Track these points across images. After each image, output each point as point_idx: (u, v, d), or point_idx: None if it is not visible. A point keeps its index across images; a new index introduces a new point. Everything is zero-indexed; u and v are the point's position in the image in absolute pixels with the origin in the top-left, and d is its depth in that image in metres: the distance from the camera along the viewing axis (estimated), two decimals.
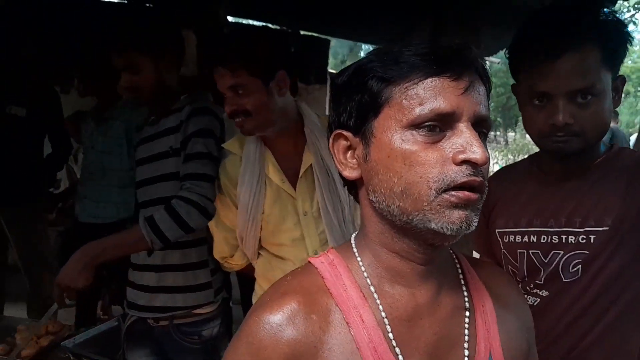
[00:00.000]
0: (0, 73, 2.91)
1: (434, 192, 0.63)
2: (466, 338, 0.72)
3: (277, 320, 0.67)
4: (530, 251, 1.18)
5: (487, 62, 12.45)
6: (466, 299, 0.75)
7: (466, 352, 0.71)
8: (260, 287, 1.61)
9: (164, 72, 1.66)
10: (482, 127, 0.67)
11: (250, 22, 3.70)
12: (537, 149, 1.22)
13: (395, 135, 0.66)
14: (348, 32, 4.07)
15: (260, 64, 1.40)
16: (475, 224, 0.65)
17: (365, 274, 0.72)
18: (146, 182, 1.72)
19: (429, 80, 0.65)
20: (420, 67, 0.65)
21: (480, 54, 0.69)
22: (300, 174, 1.50)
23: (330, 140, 0.74)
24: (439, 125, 0.64)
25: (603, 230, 1.09)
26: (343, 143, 0.73)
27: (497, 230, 1.26)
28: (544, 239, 1.16)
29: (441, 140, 0.65)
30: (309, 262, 0.76)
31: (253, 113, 1.41)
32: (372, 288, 0.71)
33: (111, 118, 2.67)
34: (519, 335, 0.78)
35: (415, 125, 0.64)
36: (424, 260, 0.70)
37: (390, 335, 0.68)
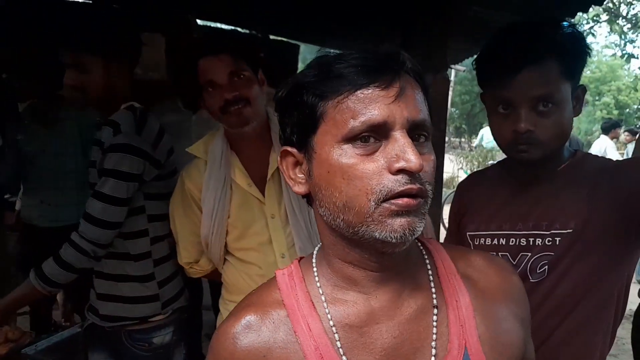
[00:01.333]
0: None
1: (374, 204, 0.64)
2: (434, 337, 0.71)
3: (233, 333, 0.71)
4: (500, 253, 1.22)
5: (453, 70, 12.72)
6: (434, 296, 0.73)
7: (433, 352, 0.70)
8: (227, 292, 1.60)
9: (114, 76, 1.61)
10: (420, 131, 0.67)
11: (220, 25, 3.67)
12: (501, 155, 1.27)
13: (332, 151, 0.66)
14: (318, 38, 4.09)
15: (253, 55, 1.45)
16: (420, 229, 0.66)
17: (318, 284, 0.73)
18: (91, 186, 1.66)
19: (359, 92, 0.65)
20: (349, 79, 0.65)
21: (414, 62, 0.69)
22: (268, 177, 1.50)
23: (279, 158, 0.75)
24: (373, 136, 0.65)
25: (567, 232, 1.13)
26: (291, 159, 0.73)
27: (468, 234, 1.30)
28: (512, 241, 1.21)
29: (377, 151, 0.65)
30: (275, 273, 0.78)
31: (252, 101, 1.43)
32: (322, 297, 0.72)
33: (61, 119, 2.58)
34: (507, 327, 0.75)
35: (349, 139, 0.65)
36: (378, 267, 0.71)
37: (338, 343, 0.69)
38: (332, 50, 0.72)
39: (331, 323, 0.70)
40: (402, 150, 0.63)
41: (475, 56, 1.20)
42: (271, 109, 1.57)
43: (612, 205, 1.10)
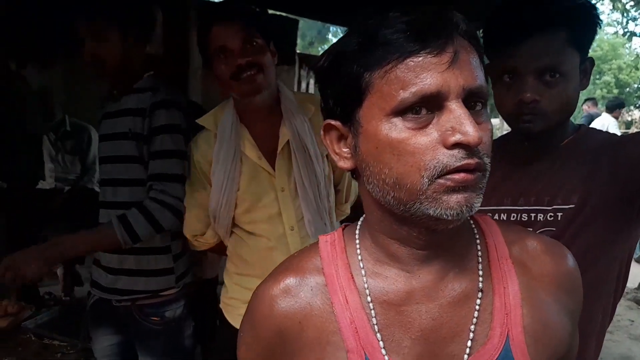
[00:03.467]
0: None
1: (427, 181, 0.59)
2: (474, 321, 0.67)
3: (271, 295, 0.70)
4: None
5: None
6: (481, 280, 0.69)
7: (471, 336, 0.66)
8: (233, 264, 1.59)
9: (130, 46, 1.58)
10: (477, 98, 0.61)
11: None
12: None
13: (380, 125, 0.61)
14: (317, 12, 4.04)
15: (265, 25, 1.45)
16: (478, 205, 0.61)
17: (359, 257, 0.71)
18: (107, 160, 1.66)
19: (408, 60, 0.59)
20: (396, 46, 0.59)
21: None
22: (279, 150, 1.49)
23: (322, 131, 0.70)
24: (426, 107, 0.59)
25: (569, 207, 1.12)
26: (334, 133, 0.69)
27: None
28: (513, 217, 1.19)
29: (430, 124, 0.59)
30: (319, 239, 0.75)
31: (264, 68, 1.42)
32: (363, 271, 0.70)
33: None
34: (555, 320, 0.70)
35: (399, 111, 0.59)
36: (424, 245, 0.67)
37: (374, 319, 0.67)
38: (342, 28, 0.68)
39: (369, 299, 0.68)
40: (459, 122, 0.58)
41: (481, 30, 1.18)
42: (280, 82, 1.56)
43: (614, 180, 1.09)
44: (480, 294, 0.68)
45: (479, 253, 0.71)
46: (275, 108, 1.51)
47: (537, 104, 1.07)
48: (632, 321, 4.21)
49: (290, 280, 0.70)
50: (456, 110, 0.58)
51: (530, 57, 1.05)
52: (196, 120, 1.55)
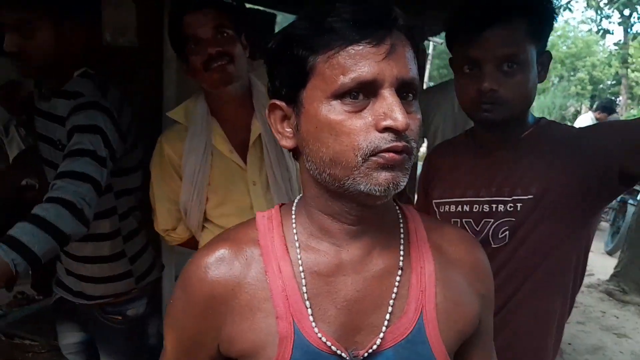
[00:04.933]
0: None
1: (360, 159, 0.65)
2: (393, 296, 0.73)
3: (206, 262, 0.74)
4: (464, 220, 1.23)
5: (432, 43, 12.68)
6: (402, 259, 0.75)
7: (389, 309, 0.73)
8: None
9: (64, 41, 1.41)
10: (408, 89, 0.68)
11: None
12: None
13: (320, 106, 0.67)
14: (295, 6, 4.02)
15: (237, 17, 1.44)
16: (403, 184, 0.67)
17: (294, 231, 0.76)
18: (47, 164, 1.55)
19: (349, 48, 0.65)
20: (340, 34, 0.65)
21: (415, 25, 0.70)
22: (250, 143, 1.48)
23: (267, 110, 0.75)
24: (362, 93, 0.65)
25: (528, 198, 1.15)
26: (279, 112, 0.73)
27: (433, 201, 1.31)
28: (475, 208, 1.22)
29: (366, 108, 0.66)
30: (256, 215, 0.80)
31: (235, 59, 1.40)
32: (297, 243, 0.75)
33: None
34: (465, 300, 0.78)
35: (338, 95, 0.65)
36: (354, 220, 0.73)
37: (304, 288, 0.72)
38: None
39: (301, 269, 0.73)
40: (390, 108, 0.64)
41: None
42: (252, 75, 1.55)
43: (572, 171, 1.12)
44: (400, 272, 0.75)
45: (402, 235, 0.78)
46: (247, 101, 1.50)
47: (495, 93, 1.10)
48: (604, 312, 4.32)
49: (225, 251, 0.75)
50: (389, 97, 0.65)
51: (490, 46, 1.09)
52: (167, 114, 1.56)
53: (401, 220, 0.80)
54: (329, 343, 0.71)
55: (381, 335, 0.72)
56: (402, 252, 0.76)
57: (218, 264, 0.74)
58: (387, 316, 0.73)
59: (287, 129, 0.73)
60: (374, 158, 0.65)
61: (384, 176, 0.66)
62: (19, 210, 2.68)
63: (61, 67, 1.45)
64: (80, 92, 1.43)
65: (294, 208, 0.79)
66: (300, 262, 0.73)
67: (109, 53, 2.69)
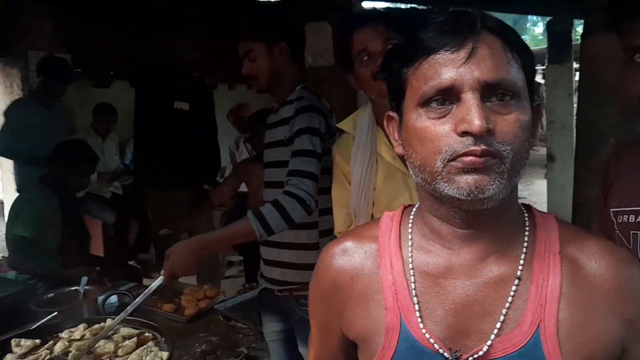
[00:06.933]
0: (168, 74, 3.37)
1: (441, 164, 0.67)
2: (506, 305, 0.71)
3: (332, 252, 0.85)
4: None
5: None
6: (520, 268, 0.73)
7: (501, 318, 0.71)
8: None
9: (277, 61, 1.79)
10: (501, 90, 0.67)
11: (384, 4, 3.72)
12: None
13: (411, 115, 0.71)
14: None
15: (404, 29, 1.50)
16: (493, 188, 0.66)
17: (409, 230, 0.81)
18: (269, 165, 1.90)
19: (430, 57, 0.68)
20: (424, 46, 0.69)
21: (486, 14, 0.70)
22: None
23: (385, 121, 0.82)
24: (447, 99, 0.68)
25: None
26: (395, 122, 0.79)
27: (611, 210, 1.17)
28: None
29: (449, 114, 0.68)
30: (384, 213, 0.87)
31: None
32: (410, 242, 0.79)
33: None
34: (598, 322, 0.71)
35: (423, 103, 0.69)
36: (463, 224, 0.73)
37: (413, 285, 0.76)
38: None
39: (411, 267, 0.77)
40: (467, 112, 0.65)
41: None
42: None
43: None
44: (517, 281, 0.72)
45: (525, 243, 0.75)
46: None
47: None
48: None
49: (349, 243, 0.84)
50: (468, 101, 0.66)
51: None
52: (337, 125, 1.69)
53: (527, 229, 0.77)
54: (432, 341, 0.72)
55: (489, 342, 0.71)
56: (522, 262, 0.74)
57: (341, 254, 0.83)
58: (498, 325, 0.71)
59: (397, 138, 0.79)
60: (453, 162, 0.67)
61: (465, 180, 0.66)
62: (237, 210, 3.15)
63: (283, 83, 1.83)
64: (302, 96, 1.79)
65: (414, 210, 0.84)
66: (410, 260, 0.77)
67: (311, 74, 2.99)
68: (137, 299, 1.64)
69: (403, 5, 3.61)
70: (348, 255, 0.83)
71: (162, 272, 1.62)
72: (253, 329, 2.03)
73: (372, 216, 1.60)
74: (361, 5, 3.26)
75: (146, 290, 1.63)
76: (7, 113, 3.65)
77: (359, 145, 1.58)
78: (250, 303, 2.22)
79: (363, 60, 1.50)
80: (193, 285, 2.50)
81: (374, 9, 1.61)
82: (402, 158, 1.51)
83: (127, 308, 1.61)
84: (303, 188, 1.64)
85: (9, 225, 2.91)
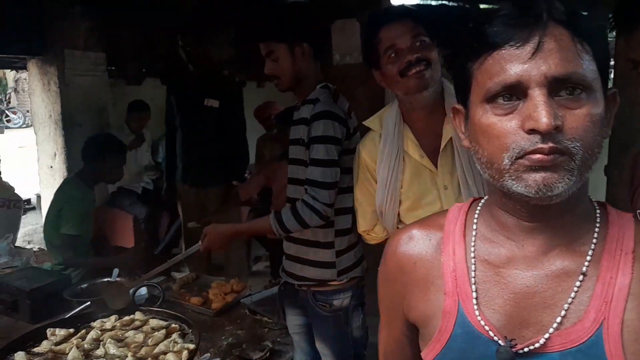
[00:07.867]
0: (198, 71, 3.43)
1: (508, 162, 0.66)
2: (569, 300, 0.70)
3: (399, 238, 0.88)
4: None
5: None
6: (586, 264, 0.71)
7: (562, 312, 0.69)
8: None
9: (299, 61, 1.82)
10: (570, 84, 0.64)
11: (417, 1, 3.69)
12: None
13: (477, 110, 0.70)
14: None
15: (431, 25, 1.54)
16: (562, 186, 0.64)
17: (475, 220, 0.81)
18: (292, 162, 1.93)
19: (494, 53, 0.67)
20: (488, 41, 0.67)
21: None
22: (441, 148, 1.51)
23: (451, 113, 0.82)
24: (513, 95, 0.66)
25: None
26: (461, 115, 0.79)
27: (638, 211, 1.14)
28: None
29: (516, 110, 0.66)
30: (454, 205, 0.89)
31: (432, 64, 1.49)
32: (474, 232, 0.80)
33: None
34: None
35: (488, 99, 0.68)
36: (529, 218, 0.72)
37: (473, 273, 0.77)
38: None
39: (472, 255, 0.78)
40: (534, 109, 0.63)
41: None
42: (446, 80, 1.58)
43: None
44: (581, 277, 0.71)
45: (594, 240, 0.73)
46: (439, 107, 1.54)
47: None
48: None
49: (415, 231, 0.86)
50: (535, 98, 0.64)
51: None
52: (363, 122, 1.69)
53: (598, 224, 0.74)
54: (487, 328, 0.73)
55: (546, 335, 0.70)
56: (589, 257, 0.71)
57: (407, 240, 0.86)
58: (558, 319, 0.70)
59: (464, 131, 0.79)
60: (521, 160, 0.65)
61: (533, 177, 0.65)
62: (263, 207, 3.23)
63: (305, 82, 1.87)
64: (318, 99, 1.80)
65: (482, 202, 0.84)
66: (473, 248, 0.79)
67: (338, 71, 3.00)
68: (176, 257, 2.09)
69: (433, 2, 3.58)
70: (413, 241, 0.85)
71: (200, 242, 1.96)
72: (278, 323, 2.06)
73: (399, 215, 1.61)
74: (390, 2, 3.25)
75: (185, 252, 2.08)
76: None
77: (386, 143, 1.58)
78: (273, 298, 2.25)
79: (390, 57, 1.49)
80: (221, 279, 2.55)
81: (402, 6, 1.60)
82: (430, 155, 1.55)
83: (168, 261, 2.04)
84: (319, 199, 1.73)
85: (52, 223, 2.99)
